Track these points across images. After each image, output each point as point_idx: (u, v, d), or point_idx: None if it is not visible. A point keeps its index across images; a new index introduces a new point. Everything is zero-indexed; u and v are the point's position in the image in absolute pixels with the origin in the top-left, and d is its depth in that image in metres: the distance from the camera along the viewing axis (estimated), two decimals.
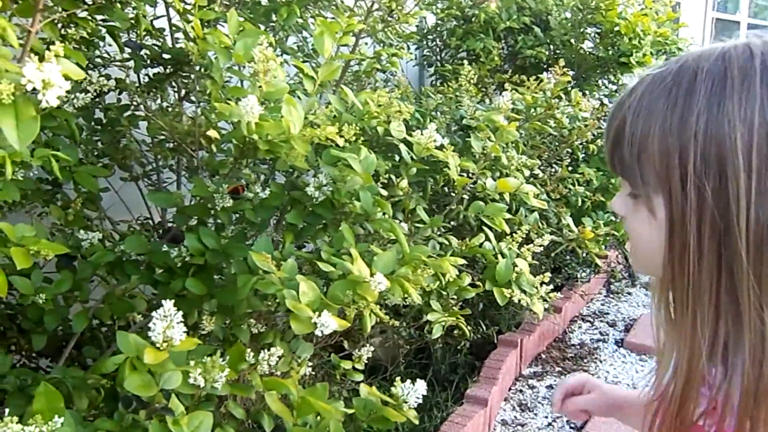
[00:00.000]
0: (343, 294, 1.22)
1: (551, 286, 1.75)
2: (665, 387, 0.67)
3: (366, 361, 1.59)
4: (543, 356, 3.13)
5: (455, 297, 1.65)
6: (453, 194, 2.00)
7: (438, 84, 3.28)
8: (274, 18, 1.81)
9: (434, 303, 1.61)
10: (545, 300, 1.71)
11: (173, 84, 1.79)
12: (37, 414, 0.93)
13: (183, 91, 1.80)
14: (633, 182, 0.67)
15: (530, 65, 3.38)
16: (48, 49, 0.84)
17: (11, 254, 1.07)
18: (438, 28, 3.55)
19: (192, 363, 1.12)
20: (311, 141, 1.29)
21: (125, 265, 1.43)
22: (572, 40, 3.38)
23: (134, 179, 1.82)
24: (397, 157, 1.67)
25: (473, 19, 3.35)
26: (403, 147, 1.62)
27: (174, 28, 1.74)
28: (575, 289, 3.51)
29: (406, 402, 1.27)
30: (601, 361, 3.12)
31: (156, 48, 1.70)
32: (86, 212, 1.61)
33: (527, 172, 2.07)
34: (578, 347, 3.24)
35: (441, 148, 1.66)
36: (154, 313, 1.03)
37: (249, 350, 1.26)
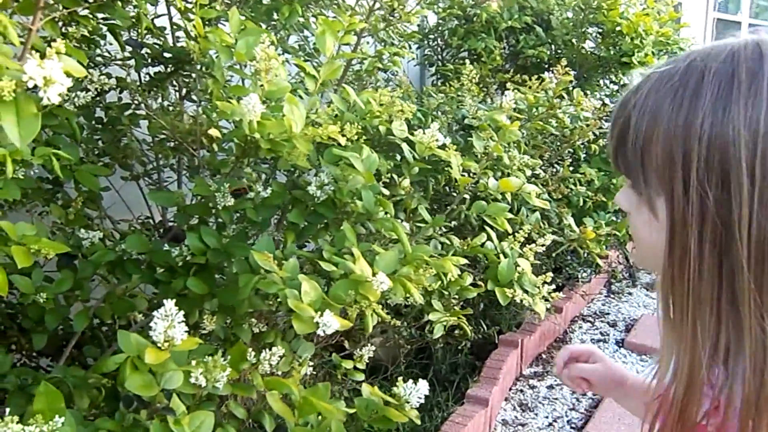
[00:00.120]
0: (345, 293, 1.21)
1: (553, 286, 1.75)
2: (666, 389, 0.67)
3: (367, 361, 1.59)
4: (544, 356, 3.13)
5: (457, 297, 1.64)
6: (455, 194, 2.00)
7: (439, 83, 3.27)
8: (275, 17, 1.80)
9: (436, 303, 1.61)
10: (547, 300, 1.70)
11: (174, 83, 1.79)
12: (37, 413, 0.93)
13: (184, 90, 1.79)
14: (636, 182, 0.66)
15: (532, 65, 3.38)
16: (49, 46, 0.83)
17: (12, 253, 1.06)
18: (439, 28, 3.54)
19: (193, 362, 1.11)
20: (313, 140, 1.29)
21: (126, 264, 1.42)
22: (574, 40, 3.38)
23: (135, 178, 1.81)
24: (399, 157, 1.67)
25: (475, 19, 3.34)
26: (405, 146, 1.61)
27: (175, 27, 1.74)
28: (576, 289, 3.51)
29: (408, 402, 1.27)
30: None
31: (157, 46, 1.70)
32: (87, 211, 1.61)
33: (529, 172, 2.07)
34: None
35: (443, 147, 1.65)
36: (155, 313, 1.02)
37: (250, 350, 1.25)
